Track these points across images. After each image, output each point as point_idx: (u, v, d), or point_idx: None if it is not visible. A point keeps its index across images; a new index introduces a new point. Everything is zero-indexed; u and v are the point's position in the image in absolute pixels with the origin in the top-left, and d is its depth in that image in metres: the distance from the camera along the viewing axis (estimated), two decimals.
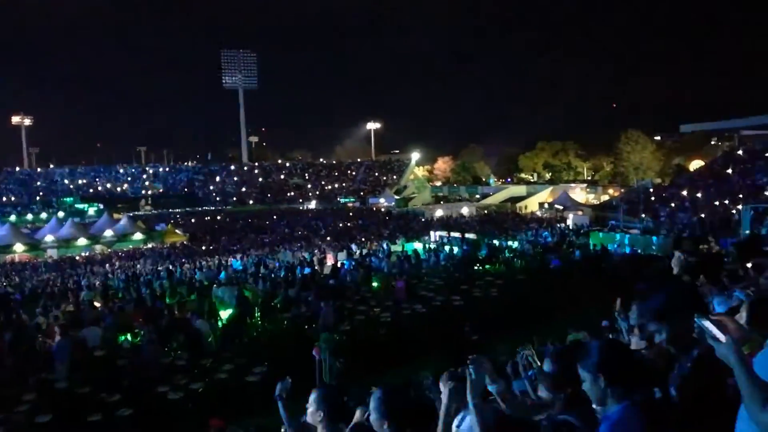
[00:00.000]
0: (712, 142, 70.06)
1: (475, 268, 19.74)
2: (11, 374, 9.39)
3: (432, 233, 35.84)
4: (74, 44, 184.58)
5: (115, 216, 56.44)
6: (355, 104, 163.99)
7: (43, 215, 64.23)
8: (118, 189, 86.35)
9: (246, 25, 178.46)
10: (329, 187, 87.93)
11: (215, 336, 12.10)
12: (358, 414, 3.57)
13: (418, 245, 30.29)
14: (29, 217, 65.96)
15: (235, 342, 11.73)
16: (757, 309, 3.41)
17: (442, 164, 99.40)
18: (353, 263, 22.79)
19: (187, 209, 73.14)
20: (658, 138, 76.66)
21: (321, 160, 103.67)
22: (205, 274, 24.07)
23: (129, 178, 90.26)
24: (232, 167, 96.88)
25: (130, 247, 48.20)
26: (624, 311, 4.39)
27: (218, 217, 67.83)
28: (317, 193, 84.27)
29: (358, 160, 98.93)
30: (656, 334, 2.92)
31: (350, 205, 74.54)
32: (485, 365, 2.77)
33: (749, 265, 7.87)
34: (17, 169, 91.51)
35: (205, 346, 11.23)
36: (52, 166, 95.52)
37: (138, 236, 50.90)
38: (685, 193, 41.24)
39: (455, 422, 2.75)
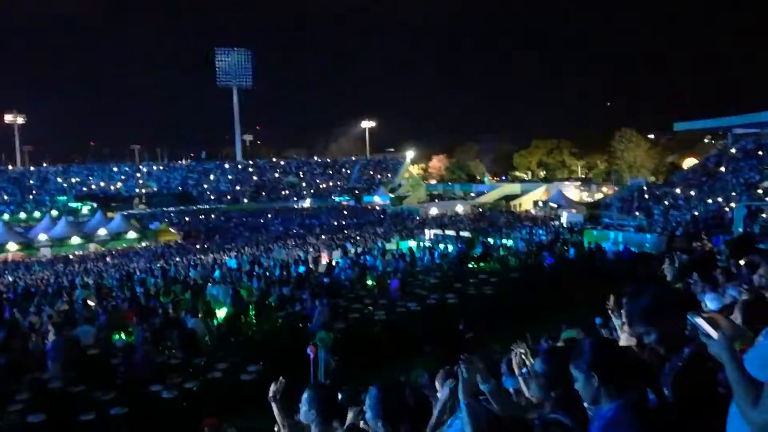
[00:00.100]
0: (706, 141, 70.30)
1: (470, 266, 19.78)
2: (4, 373, 9.34)
3: (427, 231, 35.87)
4: (67, 42, 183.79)
5: (109, 215, 56.29)
6: (349, 102, 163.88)
7: (37, 214, 63.90)
8: (112, 187, 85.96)
9: (241, 23, 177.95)
10: (324, 185, 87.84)
11: (210, 334, 12.08)
12: (351, 414, 3.57)
13: (412, 243, 30.31)
14: (22, 215, 65.65)
15: (230, 341, 11.72)
16: (751, 308, 3.43)
17: (437, 162, 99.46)
18: (348, 262, 22.79)
19: (182, 208, 72.91)
20: (652, 136, 76.88)
21: (315, 158, 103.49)
22: (200, 273, 24.02)
23: (123, 177, 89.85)
24: (227, 165, 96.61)
25: (124, 245, 48.06)
26: (617, 308, 4.41)
27: (212, 216, 67.69)
28: (312, 191, 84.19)
29: (353, 158, 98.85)
30: (645, 336, 2.93)
31: (345, 203, 74.51)
32: (477, 365, 2.77)
33: (742, 262, 7.91)
34: (10, 167, 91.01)
35: (199, 345, 11.20)
36: (45, 164, 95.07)
37: (132, 235, 50.80)
38: (678, 191, 41.38)
39: (445, 426, 2.76)
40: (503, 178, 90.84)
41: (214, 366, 9.69)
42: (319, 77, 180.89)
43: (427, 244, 29.28)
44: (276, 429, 4.02)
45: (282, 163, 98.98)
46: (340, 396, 3.66)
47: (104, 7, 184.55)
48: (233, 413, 8.03)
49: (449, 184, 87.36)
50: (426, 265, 20.87)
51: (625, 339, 3.58)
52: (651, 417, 2.39)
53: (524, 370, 3.61)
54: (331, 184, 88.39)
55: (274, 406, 3.96)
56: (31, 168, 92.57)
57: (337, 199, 78.17)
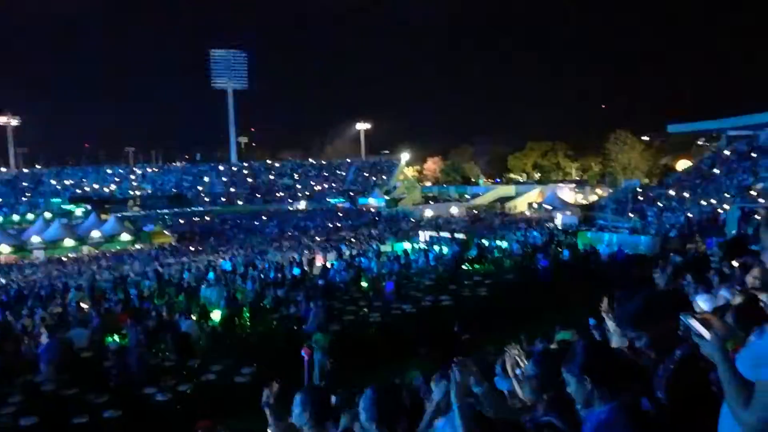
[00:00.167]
0: (699, 143, 70.57)
1: (465, 268, 19.79)
2: None
3: (421, 233, 35.87)
4: (61, 44, 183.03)
5: (103, 217, 56.06)
6: (344, 104, 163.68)
7: (30, 216, 63.61)
8: (106, 190, 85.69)
9: (238, 24, 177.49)
10: (319, 187, 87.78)
11: (205, 337, 12.05)
12: (346, 418, 3.56)
13: (407, 245, 30.31)
14: (15, 218, 65.35)
15: (224, 343, 11.70)
16: (744, 310, 3.44)
17: (432, 164, 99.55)
18: (343, 264, 22.77)
19: (176, 210, 72.71)
20: (646, 138, 77.14)
21: (310, 160, 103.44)
22: (194, 275, 23.96)
23: (117, 179, 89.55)
24: (221, 167, 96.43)
25: (118, 248, 47.90)
26: (610, 310, 4.41)
27: (207, 218, 67.54)
28: (307, 193, 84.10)
29: (348, 160, 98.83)
30: (636, 340, 2.93)
31: (340, 205, 74.47)
32: (471, 367, 2.77)
33: (735, 264, 7.92)
34: (3, 169, 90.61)
35: (193, 348, 11.18)
36: (39, 166, 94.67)
37: (126, 237, 50.61)
38: (672, 193, 41.53)
39: (438, 428, 2.76)
40: (498, 180, 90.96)
41: (208, 368, 9.67)
42: (316, 78, 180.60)
43: (422, 246, 29.29)
44: (269, 431, 4.00)
45: (277, 165, 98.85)
46: (333, 399, 3.65)
47: (96, 8, 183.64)
48: (227, 415, 8.01)
49: (444, 186, 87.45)
50: (421, 267, 20.88)
51: (617, 341, 3.60)
52: (644, 419, 2.39)
53: (518, 371, 3.61)
54: (326, 186, 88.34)
55: (267, 411, 3.94)
56: (25, 170, 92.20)
57: (332, 201, 78.11)
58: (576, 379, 2.43)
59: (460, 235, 31.81)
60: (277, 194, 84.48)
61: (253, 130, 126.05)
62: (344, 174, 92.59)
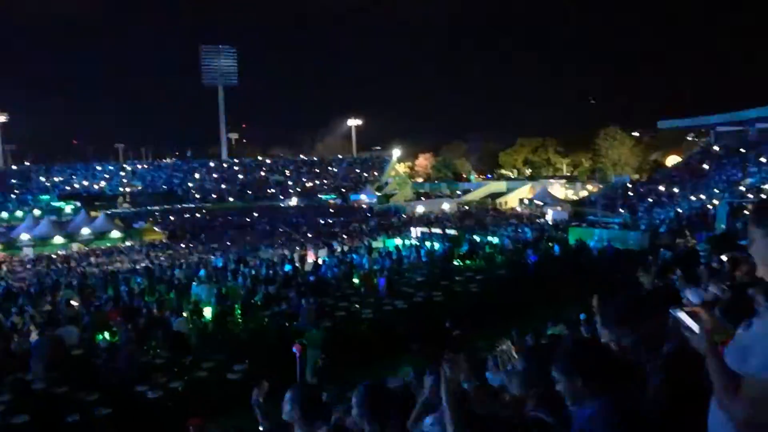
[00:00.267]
0: (689, 138, 70.97)
1: (456, 263, 19.84)
2: None
3: (413, 230, 35.92)
4: (50, 41, 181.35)
5: (93, 214, 55.66)
6: (335, 101, 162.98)
7: (19, 213, 63.07)
8: (96, 186, 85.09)
9: (226, 21, 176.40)
10: (310, 184, 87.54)
11: (196, 334, 12.01)
12: (337, 413, 3.56)
13: (399, 242, 30.34)
14: (4, 215, 64.76)
15: (216, 340, 11.67)
16: (733, 304, 3.47)
17: (423, 161, 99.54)
18: (334, 260, 22.76)
19: (166, 206, 72.33)
20: (636, 134, 77.48)
21: (302, 156, 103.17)
22: (184, 272, 23.87)
23: (107, 176, 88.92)
24: (212, 164, 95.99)
25: (108, 245, 47.63)
26: (598, 308, 4.43)
27: (198, 215, 67.27)
28: (298, 190, 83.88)
29: (339, 156, 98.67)
30: (621, 339, 2.95)
31: (331, 201, 74.36)
32: (461, 364, 2.77)
33: (724, 258, 7.98)
34: None
35: (184, 345, 11.14)
36: (27, 163, 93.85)
37: (116, 234, 50.29)
38: (662, 188, 41.79)
39: (428, 423, 2.76)
40: (489, 176, 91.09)
41: (200, 365, 9.64)
42: (310, 76, 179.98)
43: (414, 242, 29.31)
44: (261, 429, 4.01)
45: (268, 161, 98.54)
46: (324, 395, 3.65)
47: (88, 6, 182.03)
48: (219, 413, 8.00)
49: (435, 182, 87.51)
50: (412, 263, 20.91)
51: (607, 336, 3.61)
52: (634, 416, 2.39)
53: (509, 367, 3.62)
54: (317, 182, 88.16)
55: (257, 410, 3.94)
56: (14, 167, 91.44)
57: (323, 197, 77.98)
58: (565, 376, 2.43)
59: (451, 231, 31.90)
60: (268, 191, 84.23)
61: (244, 126, 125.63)
62: (336, 170, 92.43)
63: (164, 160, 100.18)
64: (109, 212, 59.12)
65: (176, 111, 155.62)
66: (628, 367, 2.81)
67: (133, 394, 8.57)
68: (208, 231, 52.72)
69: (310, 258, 26.46)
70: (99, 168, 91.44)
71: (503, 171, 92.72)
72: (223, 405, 8.38)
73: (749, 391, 1.82)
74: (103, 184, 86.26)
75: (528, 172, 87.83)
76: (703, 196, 35.00)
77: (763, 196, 24.70)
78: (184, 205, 75.37)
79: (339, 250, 28.39)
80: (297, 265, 23.30)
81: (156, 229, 54.24)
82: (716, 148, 47.31)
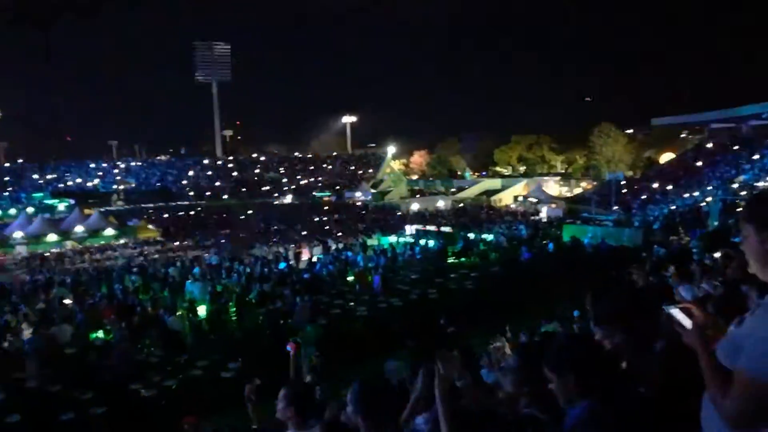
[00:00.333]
0: (683, 136, 71.19)
1: (451, 261, 19.86)
2: None
3: (408, 227, 35.91)
4: (42, 37, 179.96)
5: (86, 211, 55.45)
6: (330, 98, 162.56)
7: (12, 211, 62.79)
8: (89, 184, 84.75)
9: (220, 18, 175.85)
10: (305, 181, 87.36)
11: (191, 332, 11.99)
12: (330, 409, 3.57)
13: (393, 239, 30.33)
14: None
15: (210, 338, 11.65)
16: (725, 301, 3.49)
17: (418, 158, 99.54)
18: (329, 257, 22.74)
19: (160, 204, 72.11)
20: (630, 131, 77.65)
21: (296, 154, 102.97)
22: (178, 270, 23.80)
23: (100, 173, 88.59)
24: (206, 161, 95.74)
25: (102, 242, 47.46)
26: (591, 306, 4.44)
27: (192, 212, 67.09)
28: (293, 187, 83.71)
29: (334, 153, 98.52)
30: (613, 337, 2.95)
31: (326, 199, 74.27)
32: (453, 361, 2.78)
33: (717, 255, 8.02)
34: None
35: (178, 343, 11.12)
36: (21, 161, 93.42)
37: (110, 232, 50.12)
38: (656, 185, 41.92)
39: (422, 420, 2.76)
40: (484, 173, 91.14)
41: (194, 364, 9.63)
42: (306, 75, 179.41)
43: (408, 239, 29.31)
44: (254, 427, 4.01)
45: (263, 158, 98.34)
46: (318, 392, 3.66)
47: (81, 1, 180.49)
48: (213, 411, 7.98)
49: (430, 179, 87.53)
50: (407, 260, 20.92)
51: (600, 333, 3.62)
52: (626, 414, 2.39)
53: (503, 364, 3.63)
54: (312, 179, 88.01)
55: (249, 407, 3.94)
56: (7, 164, 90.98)
57: (318, 194, 77.87)
58: (558, 375, 2.43)
59: (446, 229, 31.91)
60: (262, 188, 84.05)
61: (239, 124, 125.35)
62: (331, 168, 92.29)
63: (158, 158, 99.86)
64: (102, 210, 58.89)
65: (170, 108, 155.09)
66: (619, 366, 2.81)
67: (128, 392, 8.55)
68: (203, 229, 52.62)
69: (305, 255, 26.43)
70: (92, 165, 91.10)
71: (498, 168, 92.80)
72: (217, 403, 8.37)
73: (740, 387, 1.83)
74: (96, 181, 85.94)
75: (522, 169, 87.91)
76: (696, 193, 35.14)
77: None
78: (178, 202, 75.12)
79: (334, 247, 28.37)
80: (292, 262, 23.28)
81: (150, 226, 54.09)
82: (710, 145, 47.48)
